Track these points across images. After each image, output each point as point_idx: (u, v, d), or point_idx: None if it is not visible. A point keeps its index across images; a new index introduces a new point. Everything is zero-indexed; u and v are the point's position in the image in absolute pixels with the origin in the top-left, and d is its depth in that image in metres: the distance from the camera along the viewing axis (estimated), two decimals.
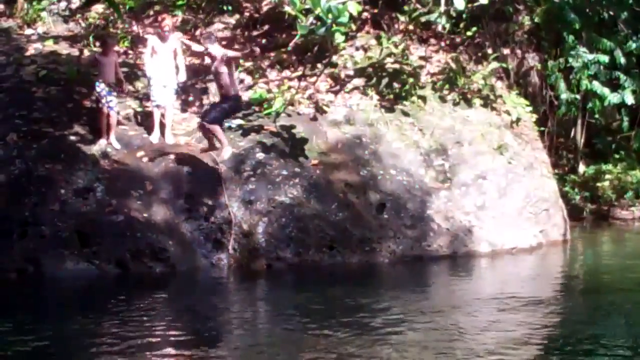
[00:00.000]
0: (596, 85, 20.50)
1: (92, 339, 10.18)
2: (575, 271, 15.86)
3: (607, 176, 21.68)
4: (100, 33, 18.17)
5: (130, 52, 18.01)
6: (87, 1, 18.99)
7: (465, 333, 10.55)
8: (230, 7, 18.95)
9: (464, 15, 18.74)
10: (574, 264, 16.66)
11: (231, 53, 15.20)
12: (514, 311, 11.73)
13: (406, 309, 11.77)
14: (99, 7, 18.82)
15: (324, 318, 11.16)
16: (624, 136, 22.83)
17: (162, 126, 15.67)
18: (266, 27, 18.98)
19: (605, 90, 20.51)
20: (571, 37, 20.34)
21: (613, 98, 20.68)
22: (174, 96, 15.95)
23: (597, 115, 21.74)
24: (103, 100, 15.29)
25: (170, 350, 9.92)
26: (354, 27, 17.80)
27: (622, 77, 20.97)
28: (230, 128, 16.12)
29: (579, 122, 22.25)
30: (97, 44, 17.43)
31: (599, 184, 21.64)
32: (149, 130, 15.71)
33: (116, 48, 16.97)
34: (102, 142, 15.22)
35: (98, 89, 15.36)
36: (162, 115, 15.70)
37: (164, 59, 15.63)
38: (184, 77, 15.94)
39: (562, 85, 20.70)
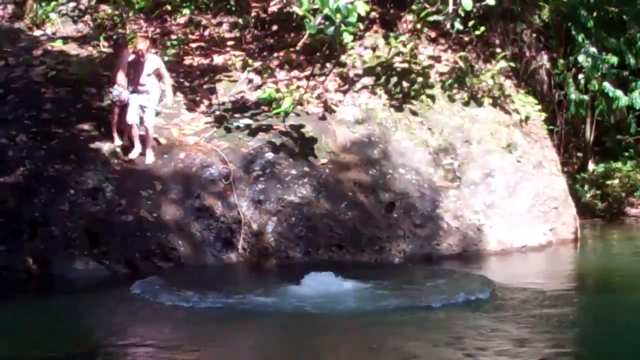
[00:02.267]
0: (607, 87, 20.40)
1: None
2: (586, 269, 15.80)
3: (617, 174, 21.65)
4: (109, 34, 18.22)
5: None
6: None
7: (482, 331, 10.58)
8: (238, 7, 18.96)
9: (472, 15, 18.73)
10: (585, 262, 16.60)
11: None
12: (532, 309, 11.73)
13: None
14: (107, 8, 18.85)
15: None
16: (635, 137, 22.74)
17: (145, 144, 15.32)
18: (274, 27, 19.01)
19: (618, 92, 20.40)
20: (581, 36, 20.29)
21: (622, 100, 20.60)
22: (154, 118, 15.44)
23: (605, 117, 21.64)
24: (117, 102, 15.33)
25: None
26: (362, 26, 17.81)
27: (632, 78, 20.88)
28: (238, 128, 16.15)
29: (589, 120, 22.20)
30: (105, 44, 17.46)
31: (608, 182, 21.61)
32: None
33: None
34: (116, 142, 15.29)
35: (115, 92, 15.34)
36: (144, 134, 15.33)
37: (143, 80, 15.26)
38: (171, 101, 15.67)
39: (571, 85, 20.64)
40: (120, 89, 15.30)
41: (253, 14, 19.14)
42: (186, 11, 18.83)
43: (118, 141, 15.30)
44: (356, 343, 10.01)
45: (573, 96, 20.66)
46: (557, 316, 11.33)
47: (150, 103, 15.25)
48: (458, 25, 17.83)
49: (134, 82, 15.25)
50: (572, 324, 11.13)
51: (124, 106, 15.33)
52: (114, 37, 17.89)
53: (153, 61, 15.41)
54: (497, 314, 11.16)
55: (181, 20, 19.09)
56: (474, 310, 11.29)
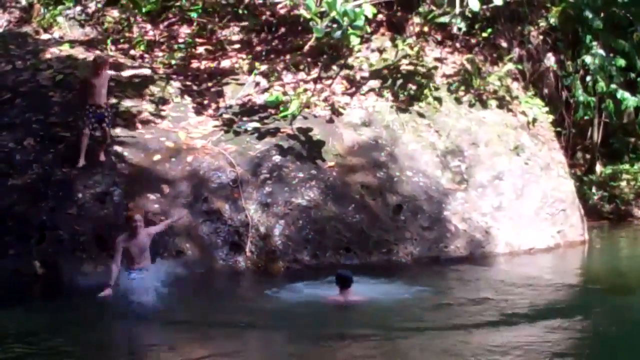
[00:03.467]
0: (614, 88, 20.34)
1: None
2: (595, 272, 15.75)
3: (625, 176, 21.60)
4: (116, 37, 18.25)
5: (146, 56, 18.06)
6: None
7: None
8: (245, 11, 18.96)
9: (479, 17, 18.73)
10: (594, 265, 16.58)
11: None
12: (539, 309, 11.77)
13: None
14: (114, 12, 18.88)
15: None
16: None
17: None
18: (282, 30, 19.00)
19: (626, 94, 20.35)
20: (588, 38, 20.26)
21: (631, 101, 20.56)
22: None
23: (613, 118, 21.57)
24: (90, 126, 14.68)
25: None
26: (369, 29, 17.79)
27: None
28: (246, 131, 16.15)
29: (596, 122, 22.16)
30: (112, 48, 17.48)
31: (616, 184, 21.55)
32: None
33: (133, 51, 16.99)
34: (80, 163, 14.67)
35: (87, 113, 14.69)
36: None
37: (138, 258, 12.27)
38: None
39: (578, 87, 20.58)
40: (98, 110, 14.75)
41: (260, 17, 19.11)
42: (194, 15, 18.79)
43: (83, 162, 14.71)
44: None
45: (581, 98, 20.58)
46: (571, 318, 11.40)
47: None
48: (463, 26, 17.83)
49: (128, 261, 12.30)
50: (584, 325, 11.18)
51: (94, 128, 14.76)
52: (121, 39, 17.95)
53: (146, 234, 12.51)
54: None
55: (188, 24, 19.08)
56: None
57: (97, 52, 17.74)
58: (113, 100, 15.91)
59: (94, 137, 14.90)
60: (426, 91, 17.56)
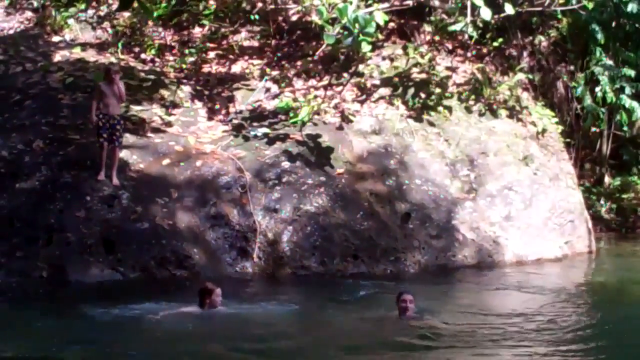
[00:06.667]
0: (625, 99, 20.29)
1: None
2: (602, 283, 15.68)
3: (633, 188, 21.55)
4: (127, 41, 18.27)
5: (157, 60, 18.08)
6: (120, 5, 19.05)
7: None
8: (257, 17, 18.97)
9: (490, 26, 18.72)
10: (601, 276, 16.50)
11: None
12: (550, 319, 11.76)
13: None
14: (126, 15, 18.89)
15: None
16: None
17: None
18: (293, 36, 19.01)
19: (635, 104, 20.30)
20: (598, 50, 20.23)
21: (639, 112, 20.51)
22: None
23: (625, 128, 21.52)
24: (105, 135, 14.59)
25: None
26: (380, 36, 17.82)
27: None
28: (255, 136, 16.15)
29: (605, 133, 22.12)
30: (125, 51, 17.49)
31: (624, 196, 21.52)
32: None
33: (143, 55, 17.02)
34: (101, 176, 14.59)
35: (100, 123, 14.59)
36: None
37: None
38: None
39: (587, 97, 20.54)
40: (113, 120, 14.64)
41: (272, 23, 19.11)
42: (205, 22, 18.81)
43: (102, 175, 14.61)
44: None
45: (589, 108, 20.51)
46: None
47: None
48: (474, 33, 17.79)
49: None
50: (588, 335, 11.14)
51: (111, 141, 14.63)
52: (132, 43, 17.93)
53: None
54: None
55: (200, 28, 19.10)
56: None
57: (108, 55, 17.78)
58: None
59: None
60: (436, 100, 17.54)
